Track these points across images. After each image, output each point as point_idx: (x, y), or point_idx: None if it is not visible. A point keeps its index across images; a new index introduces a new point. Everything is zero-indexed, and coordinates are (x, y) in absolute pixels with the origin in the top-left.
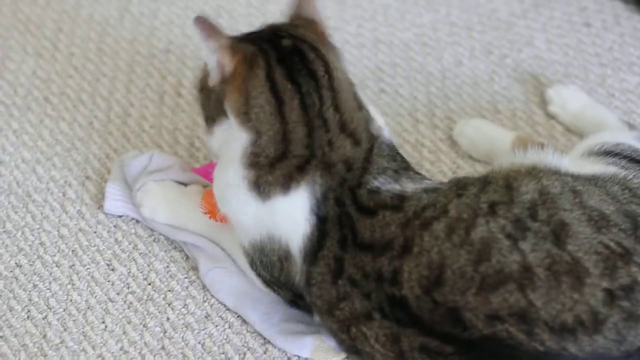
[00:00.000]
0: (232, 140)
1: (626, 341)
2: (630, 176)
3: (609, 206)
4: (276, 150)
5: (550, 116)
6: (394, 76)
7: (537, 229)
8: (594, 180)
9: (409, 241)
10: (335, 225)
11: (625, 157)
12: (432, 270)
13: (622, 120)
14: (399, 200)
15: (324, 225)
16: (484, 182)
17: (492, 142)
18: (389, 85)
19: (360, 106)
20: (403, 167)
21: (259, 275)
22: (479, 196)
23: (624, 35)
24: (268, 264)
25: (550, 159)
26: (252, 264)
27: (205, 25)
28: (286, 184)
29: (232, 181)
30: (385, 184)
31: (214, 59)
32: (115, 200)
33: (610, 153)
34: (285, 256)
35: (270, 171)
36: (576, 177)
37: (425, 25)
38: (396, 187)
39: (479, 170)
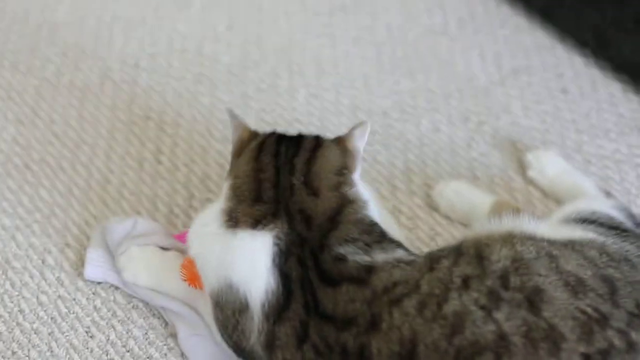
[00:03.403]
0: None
1: None
2: (609, 242)
3: (587, 271)
4: (251, 191)
5: (528, 182)
6: (372, 143)
7: (510, 298)
8: (571, 245)
9: (376, 317)
10: (299, 288)
11: (601, 224)
12: (404, 345)
13: (599, 187)
14: (366, 273)
15: (289, 283)
16: (457, 253)
17: (471, 204)
18: (367, 152)
19: (338, 172)
20: (377, 241)
21: (227, 343)
22: (452, 270)
23: (601, 102)
24: (223, 321)
25: (526, 224)
26: (219, 329)
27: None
28: (255, 222)
29: (210, 216)
30: (353, 254)
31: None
32: (95, 267)
33: (586, 220)
34: (240, 309)
35: (248, 206)
36: (552, 242)
37: (403, 92)
38: (365, 259)
39: (457, 236)
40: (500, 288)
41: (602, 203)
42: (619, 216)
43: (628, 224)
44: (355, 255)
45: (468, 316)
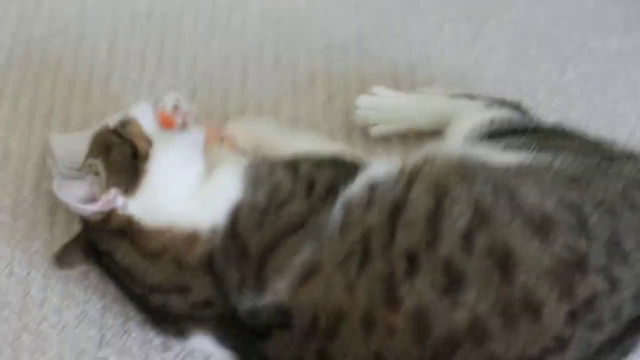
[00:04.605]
0: None
1: (593, 343)
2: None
3: (549, 200)
4: None
5: None
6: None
7: (477, 266)
8: (523, 168)
9: (323, 353)
10: None
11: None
12: None
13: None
14: (284, 316)
15: None
16: (396, 204)
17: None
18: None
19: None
20: (259, 266)
21: None
22: (391, 244)
23: None
24: None
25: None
26: None
27: None
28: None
29: None
30: (255, 300)
31: None
32: None
33: (497, 134)
34: None
35: None
36: (506, 168)
37: None
38: (268, 299)
39: None
40: (462, 253)
41: (476, 112)
42: (521, 117)
43: (532, 124)
44: (258, 300)
45: (430, 311)
